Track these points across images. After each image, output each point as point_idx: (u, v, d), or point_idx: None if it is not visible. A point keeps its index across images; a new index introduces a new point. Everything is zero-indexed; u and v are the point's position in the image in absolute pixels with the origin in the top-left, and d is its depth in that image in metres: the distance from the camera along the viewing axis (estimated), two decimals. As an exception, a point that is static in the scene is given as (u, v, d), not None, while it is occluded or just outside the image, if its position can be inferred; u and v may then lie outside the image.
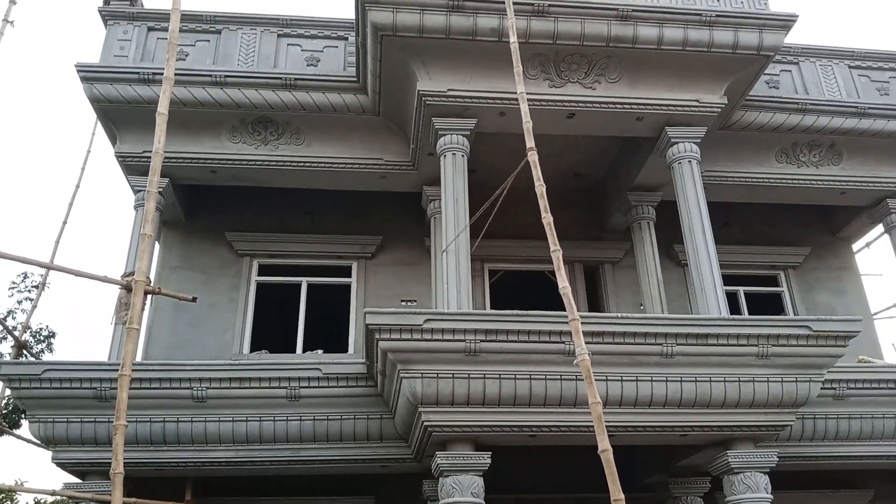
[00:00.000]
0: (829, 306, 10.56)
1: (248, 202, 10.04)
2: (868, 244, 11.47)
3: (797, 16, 8.26)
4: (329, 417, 7.53)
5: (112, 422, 4.65)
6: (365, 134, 9.16)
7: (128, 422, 4.68)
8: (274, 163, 9.08)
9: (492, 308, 9.83)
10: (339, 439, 7.60)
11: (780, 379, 6.95)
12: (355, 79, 8.77)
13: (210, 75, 8.67)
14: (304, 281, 9.81)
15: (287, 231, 9.95)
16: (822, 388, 7.34)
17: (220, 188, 9.75)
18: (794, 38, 9.19)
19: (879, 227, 10.59)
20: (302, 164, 9.11)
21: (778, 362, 6.94)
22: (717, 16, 8.10)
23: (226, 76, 8.68)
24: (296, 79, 8.73)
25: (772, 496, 7.03)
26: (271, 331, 9.93)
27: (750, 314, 10.18)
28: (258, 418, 7.49)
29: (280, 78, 8.72)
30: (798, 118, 9.35)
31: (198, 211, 10.02)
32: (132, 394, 5.13)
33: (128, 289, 5.63)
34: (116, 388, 4.74)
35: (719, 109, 8.55)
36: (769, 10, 8.42)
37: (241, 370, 7.52)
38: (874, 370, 8.45)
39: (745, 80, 8.67)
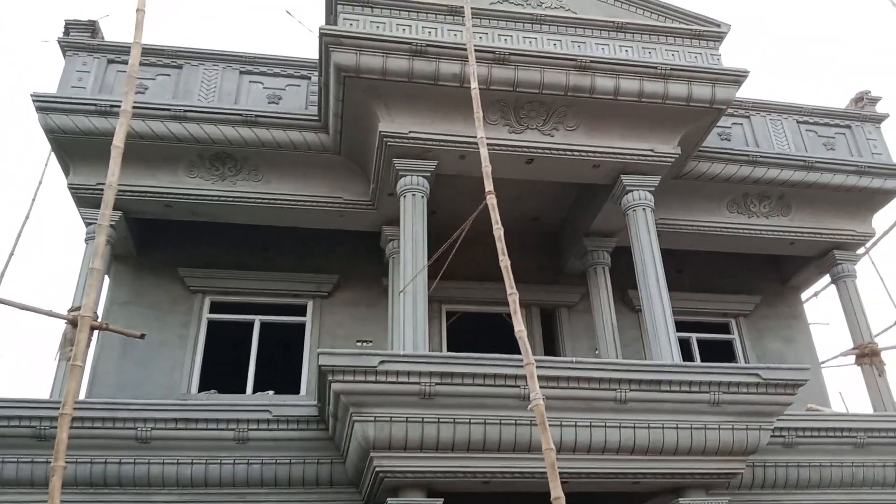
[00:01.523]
0: (779, 354, 10.75)
1: (202, 237, 9.88)
2: (816, 294, 11.76)
3: (748, 72, 8.56)
4: (278, 461, 7.36)
5: (50, 462, 4.46)
6: (325, 172, 9.14)
7: (67, 463, 4.52)
8: (231, 199, 9.00)
9: (449, 350, 9.78)
10: (287, 484, 7.42)
11: (731, 426, 7.02)
12: (317, 117, 8.79)
13: (169, 109, 8.60)
14: (258, 319, 9.64)
15: (241, 268, 9.80)
16: (771, 436, 7.46)
17: (175, 223, 9.59)
18: (745, 92, 9.52)
19: (827, 278, 10.87)
20: (260, 200, 9.05)
21: (729, 410, 7.02)
22: (671, 69, 8.35)
23: (185, 111, 8.62)
24: (256, 115, 8.71)
25: (723, 544, 7.05)
26: (222, 370, 9.71)
27: (702, 361, 10.30)
28: (204, 461, 7.28)
29: (240, 114, 8.69)
30: (749, 170, 9.63)
31: (150, 245, 9.82)
32: (73, 433, 4.95)
33: (73, 324, 5.47)
34: (56, 427, 4.57)
35: (673, 159, 8.76)
36: (721, 66, 8.72)
37: (188, 410, 7.33)
38: (822, 418, 8.61)
39: (698, 131, 8.92)
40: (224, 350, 9.80)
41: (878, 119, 10.73)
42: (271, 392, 9.08)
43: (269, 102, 9.11)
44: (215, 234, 9.86)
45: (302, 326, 9.75)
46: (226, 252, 9.92)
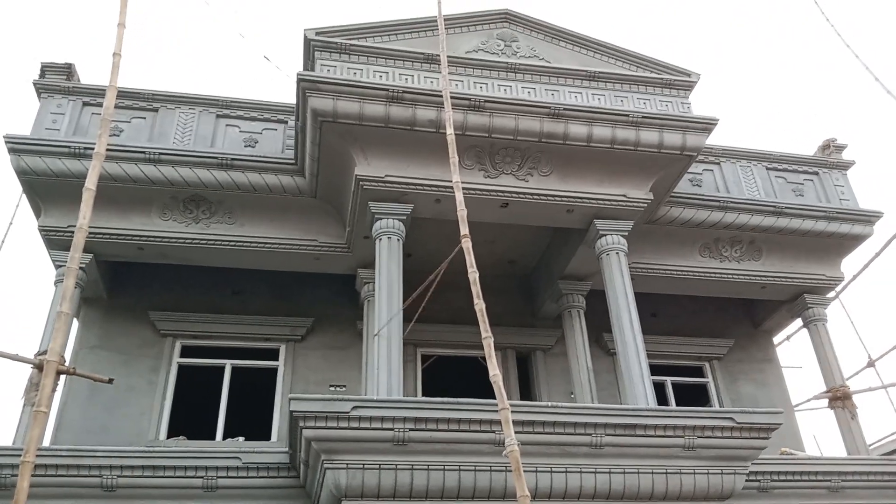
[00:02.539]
0: (753, 398, 10.79)
1: (173, 280, 9.78)
2: (788, 337, 11.87)
3: (717, 120, 8.77)
4: (247, 509, 7.18)
5: (9, 513, 4.32)
6: (300, 215, 9.14)
7: (26, 514, 4.36)
8: (205, 241, 8.94)
9: (423, 394, 9.70)
10: (256, 533, 7.22)
11: (706, 471, 7.00)
12: (293, 161, 8.82)
13: (144, 152, 8.59)
14: (229, 364, 9.49)
15: (213, 311, 9.70)
16: (746, 481, 7.41)
17: (146, 265, 9.51)
18: (715, 139, 9.71)
19: (799, 321, 10.98)
20: (234, 243, 9.00)
21: (704, 454, 7.01)
22: (643, 117, 8.52)
23: (160, 153, 8.61)
24: (232, 159, 8.72)
25: (700, 593, 6.96)
26: (191, 416, 9.52)
27: (677, 405, 10.31)
28: (171, 510, 7.07)
29: (216, 157, 8.70)
30: (720, 215, 9.78)
31: (121, 288, 9.69)
32: (35, 482, 4.81)
33: (39, 368, 5.34)
34: (18, 476, 4.43)
35: (645, 205, 8.88)
36: (692, 114, 8.92)
37: (155, 457, 7.15)
38: (797, 462, 8.62)
39: (669, 177, 9.07)
40: (194, 395, 9.62)
41: (845, 166, 10.98)
42: (241, 438, 8.91)
43: (245, 146, 9.13)
44: (187, 277, 9.76)
45: (274, 371, 9.62)
46: (197, 295, 9.81)
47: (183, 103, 9.31)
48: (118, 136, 8.83)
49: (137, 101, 9.21)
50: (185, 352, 9.58)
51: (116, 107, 8.89)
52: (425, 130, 8.09)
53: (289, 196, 8.97)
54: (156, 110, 9.25)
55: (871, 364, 10.55)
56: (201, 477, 7.10)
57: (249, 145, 9.13)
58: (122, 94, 8.81)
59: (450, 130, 6.60)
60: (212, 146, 9.02)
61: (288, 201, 9.02)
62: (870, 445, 10.44)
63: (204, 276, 9.78)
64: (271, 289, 9.99)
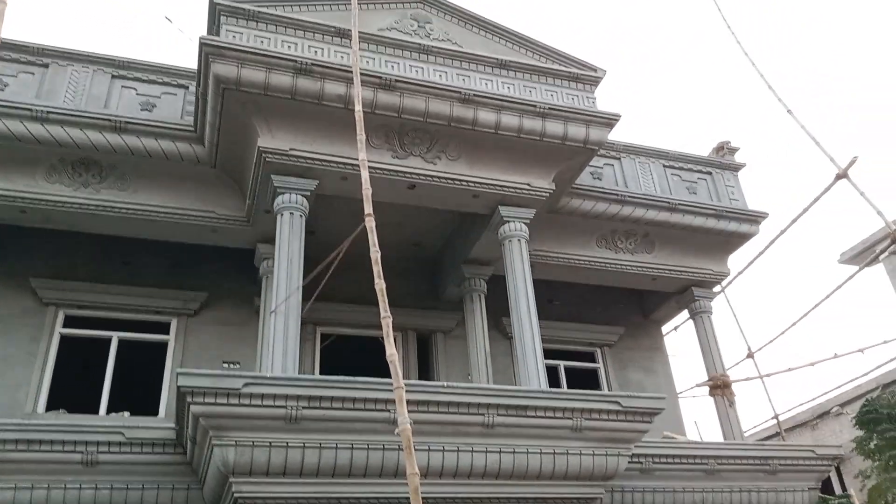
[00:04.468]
0: (640, 384, 11.26)
1: (58, 247, 9.24)
2: (676, 327, 12.46)
3: (620, 116, 9.03)
4: (129, 486, 6.91)
5: None
6: (198, 185, 8.83)
7: None
8: (93, 207, 8.51)
9: (322, 373, 9.59)
10: (139, 511, 6.97)
11: (591, 452, 7.26)
12: (192, 128, 8.49)
13: (30, 109, 8.07)
14: (115, 336, 9.10)
15: (101, 281, 9.24)
16: (629, 462, 7.72)
17: (29, 230, 8.95)
18: (616, 135, 10.01)
19: (686, 313, 11.52)
20: (125, 210, 8.61)
21: (590, 436, 7.26)
22: (549, 108, 8.68)
23: (48, 112, 8.11)
24: (126, 122, 8.31)
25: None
26: (74, 389, 9.06)
27: (569, 388, 10.63)
28: (46, 486, 6.73)
29: (109, 119, 8.27)
30: (617, 208, 10.12)
31: (0, 253, 9.10)
32: None
33: None
34: None
35: (548, 194, 9.07)
36: (596, 108, 9.15)
37: (31, 431, 6.77)
38: (677, 446, 9.05)
39: (572, 169, 9.29)
40: (77, 368, 9.17)
41: (737, 168, 11.56)
42: (127, 413, 8.58)
43: (141, 109, 8.71)
44: (73, 243, 9.26)
45: (164, 345, 9.29)
46: (84, 263, 9.33)
47: (76, 61, 8.80)
48: (2, 90, 8.28)
49: (25, 55, 8.65)
50: (69, 322, 9.11)
51: (1, 59, 8.36)
52: (333, 105, 7.96)
53: (186, 164, 8.64)
54: (46, 66, 8.71)
55: (750, 356, 11.19)
56: (80, 452, 6.78)
57: (146, 109, 8.72)
58: (8, 45, 8.28)
59: (358, 107, 6.46)
60: (105, 107, 8.57)
61: (185, 170, 8.69)
62: (745, 432, 11.11)
63: (92, 244, 9.31)
64: (164, 260, 9.62)
